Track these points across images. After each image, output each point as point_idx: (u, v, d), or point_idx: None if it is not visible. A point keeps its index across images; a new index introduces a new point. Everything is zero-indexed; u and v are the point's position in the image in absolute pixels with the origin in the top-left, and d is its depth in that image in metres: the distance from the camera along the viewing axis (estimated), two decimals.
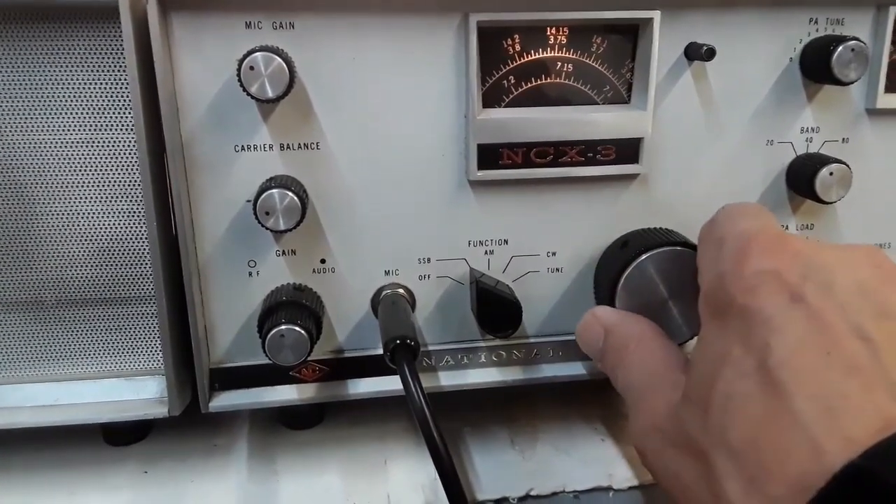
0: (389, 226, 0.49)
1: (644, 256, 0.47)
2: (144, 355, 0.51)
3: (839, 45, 0.47)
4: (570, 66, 0.48)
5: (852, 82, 0.49)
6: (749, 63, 0.50)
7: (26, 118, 0.45)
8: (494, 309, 0.49)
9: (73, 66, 0.45)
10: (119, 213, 0.48)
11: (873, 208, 0.55)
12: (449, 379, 0.52)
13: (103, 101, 0.45)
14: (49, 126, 0.45)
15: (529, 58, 0.48)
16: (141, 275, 0.49)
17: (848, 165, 0.50)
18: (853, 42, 0.47)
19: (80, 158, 0.46)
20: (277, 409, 0.55)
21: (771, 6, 0.49)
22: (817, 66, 0.49)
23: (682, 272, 0.47)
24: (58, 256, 0.48)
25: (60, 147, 0.46)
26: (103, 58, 0.44)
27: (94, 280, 0.49)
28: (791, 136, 0.52)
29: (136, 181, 0.47)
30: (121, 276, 0.49)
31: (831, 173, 0.50)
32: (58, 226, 0.47)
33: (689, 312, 0.48)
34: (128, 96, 0.45)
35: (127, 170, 0.47)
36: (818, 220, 0.54)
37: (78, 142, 0.46)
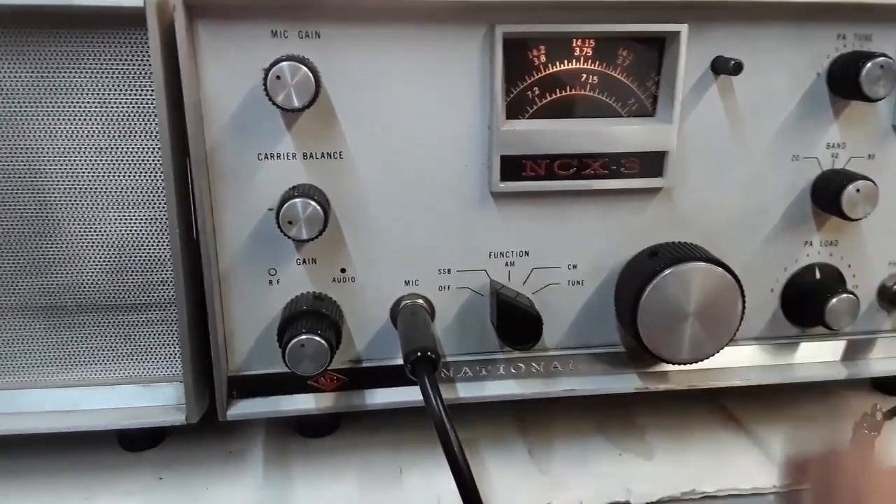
0: (410, 236, 0.49)
1: (673, 269, 0.47)
2: (163, 362, 0.51)
3: (868, 62, 0.47)
4: (595, 78, 0.48)
5: (881, 98, 0.48)
6: (776, 78, 0.49)
7: (50, 124, 0.45)
8: (514, 321, 0.48)
9: (98, 73, 0.44)
10: (141, 219, 0.47)
11: None
12: (467, 391, 0.52)
13: (128, 108, 0.45)
14: (73, 132, 0.45)
15: (554, 69, 0.47)
16: (161, 281, 0.49)
17: (874, 182, 0.50)
18: (882, 58, 0.47)
19: (103, 165, 0.46)
20: (293, 416, 0.55)
21: (799, 21, 0.48)
22: (845, 82, 0.49)
23: (709, 290, 0.47)
24: (79, 262, 0.48)
25: (84, 153, 0.46)
26: (129, 65, 0.44)
27: (114, 286, 0.49)
28: (817, 151, 0.51)
29: (158, 188, 0.47)
30: (141, 282, 0.49)
31: (857, 190, 0.49)
32: (80, 232, 0.47)
33: (710, 330, 0.47)
34: (153, 104, 0.45)
35: (150, 177, 0.47)
36: (843, 237, 0.54)
37: (102, 149, 0.46)
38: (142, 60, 0.44)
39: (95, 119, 0.45)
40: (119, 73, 0.45)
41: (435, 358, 0.43)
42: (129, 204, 0.47)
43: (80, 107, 0.45)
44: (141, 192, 0.47)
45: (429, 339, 0.45)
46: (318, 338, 0.45)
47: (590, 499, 0.50)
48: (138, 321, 0.50)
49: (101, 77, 0.45)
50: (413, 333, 0.46)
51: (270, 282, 0.49)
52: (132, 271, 0.49)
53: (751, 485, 0.51)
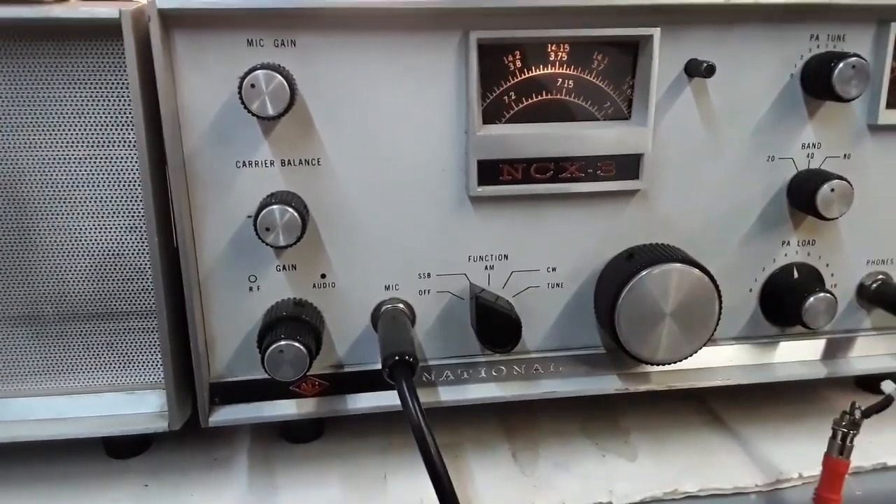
0: (390, 241, 0.49)
1: (649, 270, 0.47)
2: (145, 369, 0.51)
3: (840, 62, 0.47)
4: (570, 82, 0.48)
5: (853, 99, 0.48)
6: (750, 79, 0.50)
7: (29, 135, 0.46)
8: (494, 324, 0.49)
9: (76, 84, 0.45)
10: (120, 228, 0.48)
11: (875, 224, 0.55)
12: (449, 394, 0.52)
13: (105, 117, 0.46)
14: (51, 143, 0.46)
15: (530, 74, 0.48)
16: (142, 289, 0.49)
17: (849, 182, 0.50)
18: (854, 58, 0.47)
19: (82, 175, 0.47)
20: (278, 422, 0.55)
21: (771, 23, 0.49)
22: (818, 83, 0.49)
23: (686, 291, 0.47)
24: (59, 271, 0.48)
25: (63, 163, 0.46)
26: (106, 75, 0.45)
27: (94, 294, 0.49)
28: (792, 152, 0.52)
29: (138, 197, 0.47)
30: (122, 290, 0.49)
31: (832, 189, 0.50)
32: (59, 241, 0.48)
33: (687, 331, 0.48)
34: (130, 113, 0.45)
35: (129, 186, 0.47)
36: (819, 237, 0.54)
37: (80, 158, 0.46)
38: (119, 70, 0.45)
39: (74, 129, 0.46)
40: (97, 83, 0.45)
41: (412, 362, 0.44)
42: (108, 213, 0.48)
43: (58, 117, 0.45)
44: (120, 200, 0.47)
45: (407, 344, 0.45)
46: (296, 343, 0.45)
47: (573, 500, 0.50)
48: (121, 329, 0.50)
49: (79, 87, 0.45)
50: (392, 338, 0.46)
51: (251, 288, 0.49)
52: (113, 280, 0.49)
53: (733, 484, 0.51)
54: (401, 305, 0.51)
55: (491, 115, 0.48)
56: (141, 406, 0.51)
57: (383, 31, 0.45)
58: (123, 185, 0.47)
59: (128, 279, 0.49)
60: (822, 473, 0.48)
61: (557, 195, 0.50)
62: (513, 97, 0.48)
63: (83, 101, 0.45)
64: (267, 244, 0.45)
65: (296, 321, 0.47)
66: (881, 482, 0.53)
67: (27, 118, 0.45)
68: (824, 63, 0.48)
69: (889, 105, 0.51)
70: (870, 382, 0.62)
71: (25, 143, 0.46)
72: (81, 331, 0.50)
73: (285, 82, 0.42)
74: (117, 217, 0.48)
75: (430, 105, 0.47)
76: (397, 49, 0.46)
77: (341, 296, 0.50)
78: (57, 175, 0.46)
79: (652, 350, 0.49)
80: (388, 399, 0.51)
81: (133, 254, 0.48)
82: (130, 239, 0.48)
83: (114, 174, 0.47)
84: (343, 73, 0.46)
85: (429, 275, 0.51)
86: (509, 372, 0.53)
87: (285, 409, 0.51)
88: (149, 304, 0.49)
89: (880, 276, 0.56)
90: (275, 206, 0.44)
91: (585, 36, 0.47)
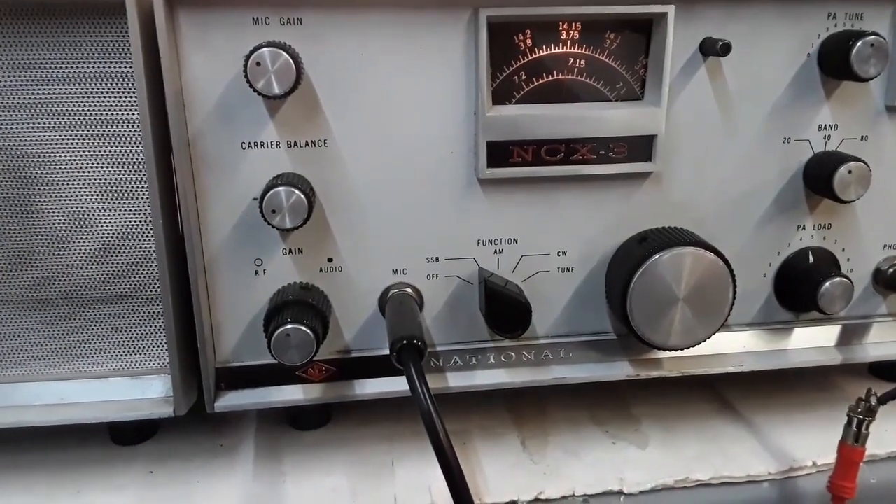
0: (397, 224, 0.49)
1: (662, 254, 0.46)
2: (150, 354, 0.51)
3: (858, 41, 0.46)
4: (582, 61, 0.47)
5: (872, 78, 0.47)
6: (765, 59, 0.49)
7: (32, 115, 0.45)
8: (503, 309, 0.48)
9: (79, 63, 0.44)
10: (125, 210, 0.47)
11: (892, 208, 0.54)
12: (457, 380, 0.52)
13: (109, 97, 0.45)
14: (55, 123, 0.45)
15: (541, 53, 0.47)
16: (147, 273, 0.49)
17: (867, 164, 0.49)
18: (873, 37, 0.46)
19: (86, 156, 0.46)
20: (284, 408, 0.55)
21: (788, 0, 0.48)
22: (836, 62, 0.48)
23: (700, 275, 0.46)
24: (64, 254, 0.48)
25: (66, 144, 0.46)
26: (109, 54, 0.44)
27: (99, 278, 0.48)
28: (808, 133, 0.51)
29: (142, 178, 0.46)
30: (127, 274, 0.49)
31: (850, 171, 0.49)
32: (64, 223, 0.47)
33: (700, 316, 0.47)
34: (134, 93, 0.44)
35: (133, 167, 0.46)
36: (836, 220, 0.53)
37: (84, 139, 0.46)
38: (123, 50, 0.44)
39: (77, 110, 0.45)
40: (101, 62, 0.44)
41: (421, 346, 0.43)
42: (113, 195, 0.47)
43: (62, 97, 0.45)
44: (125, 182, 0.47)
45: (415, 328, 0.45)
46: (303, 328, 0.44)
47: (582, 488, 0.49)
48: (126, 313, 0.50)
49: (83, 67, 0.44)
50: (399, 322, 0.46)
51: (257, 272, 0.48)
52: (118, 263, 0.48)
53: (745, 472, 0.51)
54: (409, 290, 0.50)
55: (501, 95, 0.47)
56: (146, 391, 0.50)
57: (391, 9, 0.44)
58: (128, 167, 0.46)
59: (133, 262, 0.48)
60: (837, 461, 0.47)
61: (568, 177, 0.49)
62: (523, 77, 0.47)
63: (87, 81, 0.45)
64: (273, 227, 0.44)
65: (302, 305, 0.46)
66: None
67: (30, 99, 0.45)
68: (842, 42, 0.47)
69: None
70: (883, 369, 0.61)
71: (29, 124, 0.45)
72: (86, 315, 0.49)
73: (291, 61, 0.41)
74: (122, 199, 0.47)
75: (438, 85, 0.46)
76: (405, 27, 0.45)
77: (348, 280, 0.50)
78: (60, 156, 0.46)
79: (664, 336, 0.48)
80: (395, 385, 0.51)
81: (138, 237, 0.48)
82: (135, 221, 0.47)
83: (118, 156, 0.46)
84: (350, 52, 0.45)
85: (437, 259, 0.50)
86: (518, 358, 0.52)
87: (292, 394, 0.51)
88: (154, 287, 0.49)
89: None
90: (281, 188, 0.43)
91: (598, 14, 0.46)
